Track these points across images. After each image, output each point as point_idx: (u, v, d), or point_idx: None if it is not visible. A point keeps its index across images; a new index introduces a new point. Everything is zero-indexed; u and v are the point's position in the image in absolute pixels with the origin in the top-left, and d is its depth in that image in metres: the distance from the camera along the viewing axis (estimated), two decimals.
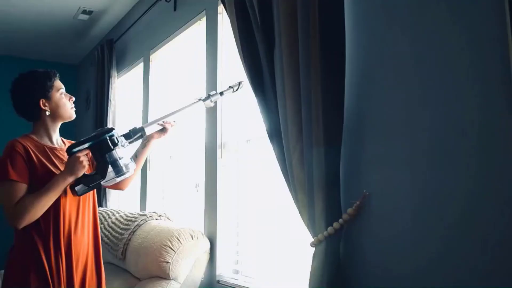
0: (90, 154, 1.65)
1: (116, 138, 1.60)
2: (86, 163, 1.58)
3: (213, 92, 1.86)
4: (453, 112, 1.23)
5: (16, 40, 4.51)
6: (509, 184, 1.10)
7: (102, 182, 1.59)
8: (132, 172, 1.65)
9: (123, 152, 1.63)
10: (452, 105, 1.24)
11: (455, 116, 1.23)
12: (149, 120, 3.30)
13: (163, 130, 1.81)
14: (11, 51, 4.82)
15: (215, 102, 1.87)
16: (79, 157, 1.56)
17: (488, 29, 1.17)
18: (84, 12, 3.82)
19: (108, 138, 1.58)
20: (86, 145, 1.58)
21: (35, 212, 1.55)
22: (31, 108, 1.70)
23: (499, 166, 1.12)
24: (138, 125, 1.74)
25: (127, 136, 1.68)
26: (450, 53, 1.25)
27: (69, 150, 1.59)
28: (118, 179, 1.62)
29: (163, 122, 1.78)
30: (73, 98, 1.79)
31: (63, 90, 1.76)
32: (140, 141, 1.82)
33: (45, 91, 1.70)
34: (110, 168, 1.57)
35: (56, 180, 1.57)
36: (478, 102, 1.18)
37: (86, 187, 1.58)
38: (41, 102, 1.69)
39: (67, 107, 1.76)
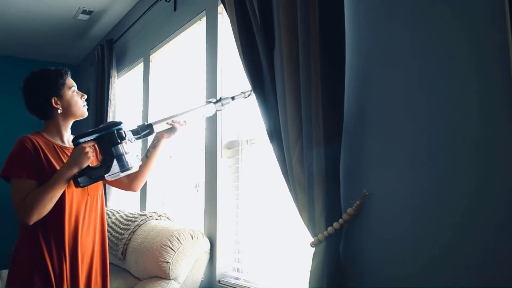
0: (96, 146, 1.61)
1: (124, 132, 1.57)
2: (91, 154, 1.55)
3: (224, 96, 1.84)
4: (454, 112, 1.23)
5: (16, 40, 4.51)
6: (510, 185, 1.10)
7: (105, 176, 1.56)
8: (137, 168, 1.62)
9: (130, 148, 1.60)
10: (453, 105, 1.24)
11: (456, 116, 1.23)
12: (150, 120, 3.30)
13: (172, 129, 1.77)
14: (11, 51, 4.82)
15: (225, 106, 1.85)
16: (84, 148, 1.54)
17: (488, 29, 1.17)
18: (84, 12, 3.82)
19: (116, 131, 1.55)
20: (93, 136, 1.56)
21: (43, 206, 1.53)
22: (43, 106, 1.70)
23: (500, 167, 1.12)
24: (147, 122, 1.72)
25: (135, 131, 1.66)
26: (451, 53, 1.25)
27: (75, 140, 1.56)
28: (122, 174, 1.58)
29: (173, 121, 1.75)
30: (85, 96, 1.79)
31: (75, 88, 1.76)
32: (150, 141, 1.80)
33: (57, 89, 1.70)
34: (114, 163, 1.54)
35: (60, 171, 1.56)
36: (479, 102, 1.18)
37: (90, 179, 1.55)
38: (53, 100, 1.69)
39: (79, 105, 1.75)
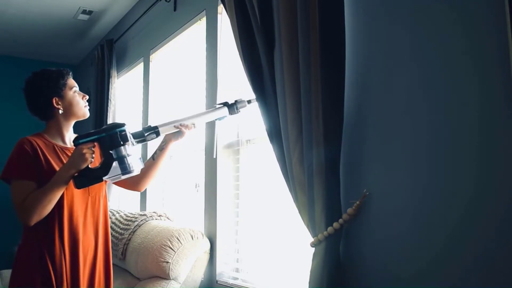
0: (98, 147, 1.58)
1: (127, 134, 1.55)
2: (89, 155, 1.53)
3: (240, 99, 1.75)
4: (454, 111, 1.23)
5: (16, 40, 4.51)
6: (510, 185, 1.10)
7: (106, 178, 1.54)
8: (138, 172, 1.59)
9: (133, 150, 1.57)
10: (453, 104, 1.24)
11: (456, 115, 1.23)
12: (150, 120, 3.30)
13: (180, 133, 1.73)
14: (11, 51, 4.82)
15: (241, 110, 1.75)
16: (82, 149, 1.52)
17: (488, 29, 1.17)
18: (84, 12, 3.82)
19: (118, 132, 1.53)
20: (93, 137, 1.53)
21: (42, 208, 1.53)
22: (44, 106, 1.70)
23: (501, 166, 1.12)
24: (147, 122, 1.70)
25: (139, 134, 1.64)
26: (451, 53, 1.25)
27: (76, 141, 1.55)
28: (123, 177, 1.55)
29: (180, 125, 1.72)
30: (87, 97, 1.79)
31: (76, 88, 1.76)
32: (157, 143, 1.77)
33: (59, 90, 1.70)
34: (115, 164, 1.51)
35: (59, 172, 1.56)
36: (479, 102, 1.18)
37: (88, 181, 1.53)
38: (54, 101, 1.69)
39: (81, 105, 1.75)
